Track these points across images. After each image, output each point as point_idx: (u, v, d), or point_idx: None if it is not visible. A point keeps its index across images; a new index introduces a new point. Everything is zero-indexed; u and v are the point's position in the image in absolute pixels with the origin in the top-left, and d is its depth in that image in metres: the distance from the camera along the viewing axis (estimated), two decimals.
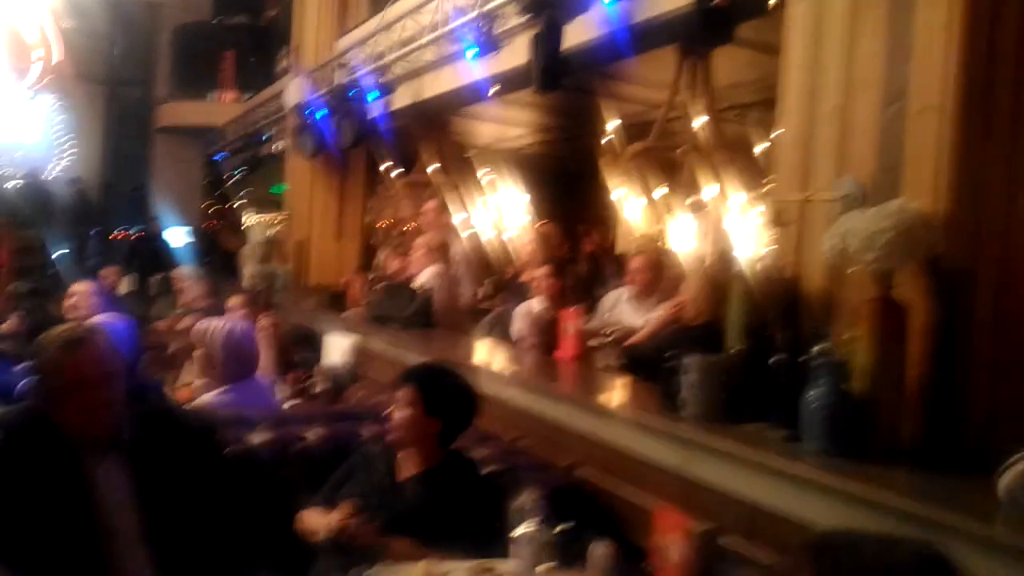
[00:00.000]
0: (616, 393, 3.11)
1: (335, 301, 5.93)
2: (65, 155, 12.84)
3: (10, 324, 4.08)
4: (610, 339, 3.61)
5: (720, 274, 2.92)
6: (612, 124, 5.59)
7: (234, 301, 4.56)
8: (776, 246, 2.64)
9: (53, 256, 11.20)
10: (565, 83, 4.26)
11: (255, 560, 2.14)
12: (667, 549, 1.96)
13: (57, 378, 1.92)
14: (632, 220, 5.79)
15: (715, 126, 4.61)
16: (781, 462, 2.08)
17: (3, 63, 6.39)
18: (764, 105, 4.83)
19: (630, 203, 5.65)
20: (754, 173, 4.68)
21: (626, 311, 3.98)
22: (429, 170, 7.27)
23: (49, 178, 12.20)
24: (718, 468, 2.23)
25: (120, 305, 4.74)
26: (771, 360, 2.33)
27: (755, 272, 2.71)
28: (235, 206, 12.42)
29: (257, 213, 11.48)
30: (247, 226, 11.09)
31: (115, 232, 12.40)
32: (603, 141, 5.67)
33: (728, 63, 4.41)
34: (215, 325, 3.08)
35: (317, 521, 2.22)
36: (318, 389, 4.33)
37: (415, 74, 5.83)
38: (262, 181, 11.09)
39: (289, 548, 2.23)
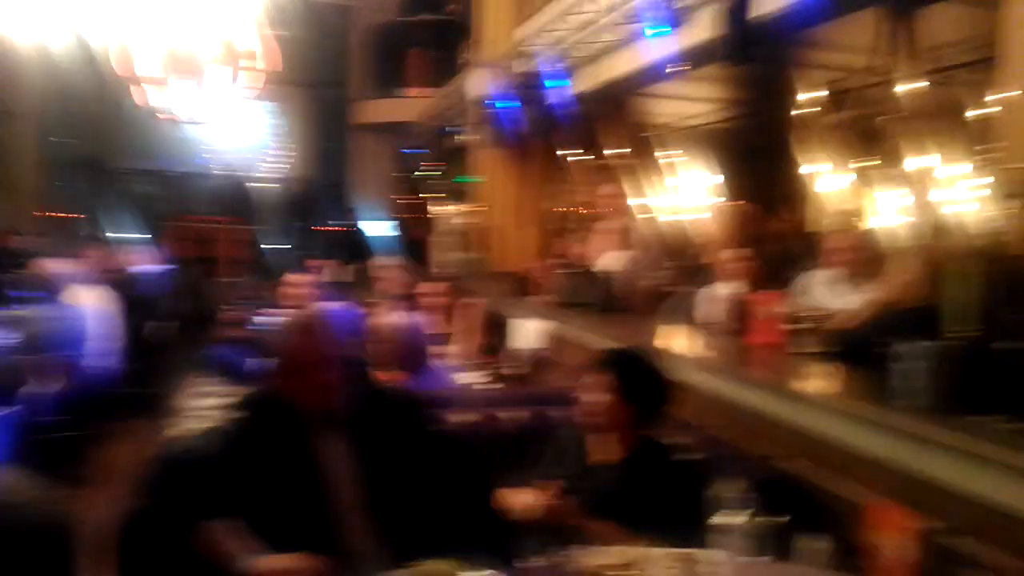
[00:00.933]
0: (821, 381, 2.95)
1: (522, 286, 6.07)
2: (276, 155, 14.08)
3: (234, 313, 4.52)
4: (810, 323, 3.43)
5: (937, 252, 2.69)
6: (806, 94, 5.29)
7: (427, 288, 4.78)
8: (1002, 220, 2.39)
9: (265, 249, 12.36)
10: (756, 54, 4.09)
11: (460, 534, 2.25)
12: (884, 547, 1.84)
13: (288, 360, 2.12)
14: (826, 196, 5.45)
15: (922, 90, 4.24)
16: (1018, 458, 1.89)
17: (219, 72, 7.07)
18: (978, 66, 4.38)
19: (823, 178, 5.32)
20: (967, 140, 4.26)
21: (824, 293, 3.76)
22: (609, 153, 7.24)
23: (261, 177, 13.46)
24: (942, 462, 2.06)
25: (328, 294, 5.11)
26: (997, 346, 2.12)
27: (977, 250, 2.47)
28: (425, 197, 13.03)
29: (446, 203, 11.98)
30: (436, 216, 11.60)
31: (319, 225, 13.46)
32: (794, 113, 5.38)
33: (935, 21, 4.04)
34: (387, 320, 3.26)
35: (517, 500, 2.29)
36: (508, 372, 4.46)
37: (596, 57, 5.82)
38: (450, 172, 11.57)
39: (490, 525, 2.32)
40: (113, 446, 5.15)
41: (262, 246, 12.09)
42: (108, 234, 10.62)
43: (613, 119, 7.30)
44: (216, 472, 1.98)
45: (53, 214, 11.98)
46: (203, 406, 2.82)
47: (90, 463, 4.68)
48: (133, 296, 6.12)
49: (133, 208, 12.77)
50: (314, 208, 13.31)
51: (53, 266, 4.89)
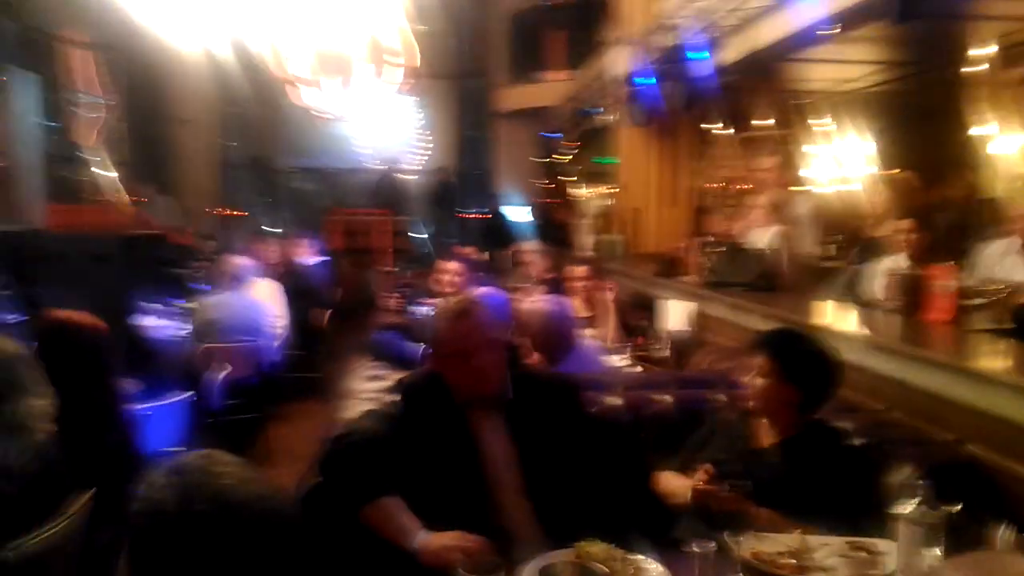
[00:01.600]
0: (1003, 359, 2.71)
1: (669, 267, 5.96)
2: (421, 147, 14.56)
3: (395, 301, 4.72)
4: (988, 298, 3.16)
5: None
6: (975, 50, 4.84)
7: (574, 271, 4.78)
8: None
9: (419, 238, 12.82)
10: (918, 9, 3.77)
11: (617, 518, 2.24)
12: None
13: (448, 345, 2.19)
14: (1000, 160, 4.97)
15: None
16: None
17: (366, 70, 7.36)
18: None
19: (996, 141, 4.85)
20: None
21: (1012, 266, 3.45)
22: (759, 124, 6.95)
23: (408, 169, 13.96)
24: None
25: (480, 280, 5.24)
26: None
27: None
28: (569, 180, 13.03)
29: (589, 186, 11.94)
30: (577, 199, 11.58)
31: (464, 212, 13.79)
32: (963, 71, 4.93)
33: None
34: (533, 304, 3.27)
35: (676, 484, 2.26)
36: (659, 355, 4.40)
37: (742, 25, 5.58)
38: (593, 154, 11.51)
39: (648, 509, 2.30)
40: (284, 427, 5.55)
41: (412, 235, 12.56)
42: (274, 229, 11.37)
43: (762, 89, 6.99)
44: (382, 452, 2.07)
45: (226, 212, 12.98)
46: (369, 389, 2.96)
47: (262, 444, 5.07)
48: (298, 286, 6.53)
49: (295, 204, 13.63)
50: (458, 196, 13.65)
51: (228, 260, 5.28)
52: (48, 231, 7.74)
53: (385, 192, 12.83)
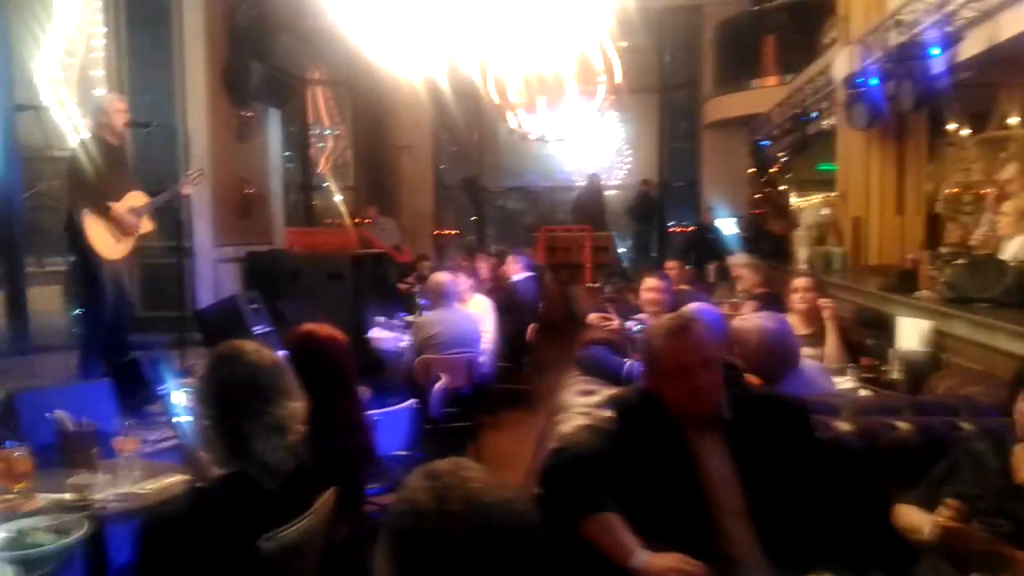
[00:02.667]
0: None
1: (901, 280, 5.49)
2: (625, 161, 14.57)
3: (601, 316, 4.72)
4: None
5: None
6: None
7: (796, 283, 4.53)
8: None
9: (622, 252, 12.83)
10: None
11: (849, 549, 2.09)
12: None
13: (664, 362, 2.16)
14: None
15: None
16: None
17: (577, 91, 7.49)
18: None
19: None
20: None
21: None
22: (1005, 124, 6.24)
23: (613, 184, 14.02)
24: None
25: (687, 295, 5.13)
26: None
27: None
28: (782, 190, 12.45)
29: (805, 194, 11.33)
30: (795, 209, 11.01)
31: (671, 226, 13.60)
32: None
33: None
34: (751, 321, 3.09)
35: (918, 519, 2.07)
36: (889, 377, 4.06)
37: (988, 14, 5.05)
38: (809, 161, 10.91)
39: (887, 544, 2.13)
40: (495, 436, 5.74)
41: (619, 250, 12.59)
42: (487, 247, 11.87)
43: (1005, 85, 6.28)
44: (601, 467, 2.08)
45: (441, 231, 13.76)
46: (581, 403, 2.99)
47: (476, 450, 5.27)
48: (507, 301, 6.76)
49: (503, 222, 14.17)
50: (661, 209, 13.49)
51: (444, 277, 5.57)
52: (288, 251, 8.61)
53: (585, 207, 12.97)
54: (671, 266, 7.16)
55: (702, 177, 13.27)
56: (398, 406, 3.66)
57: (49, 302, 7.07)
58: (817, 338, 4.11)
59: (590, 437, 2.19)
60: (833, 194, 8.42)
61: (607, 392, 2.79)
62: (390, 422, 3.53)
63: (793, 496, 2.04)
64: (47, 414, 2.88)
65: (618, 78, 7.25)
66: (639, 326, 4.00)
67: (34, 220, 6.80)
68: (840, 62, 7.29)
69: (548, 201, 15.02)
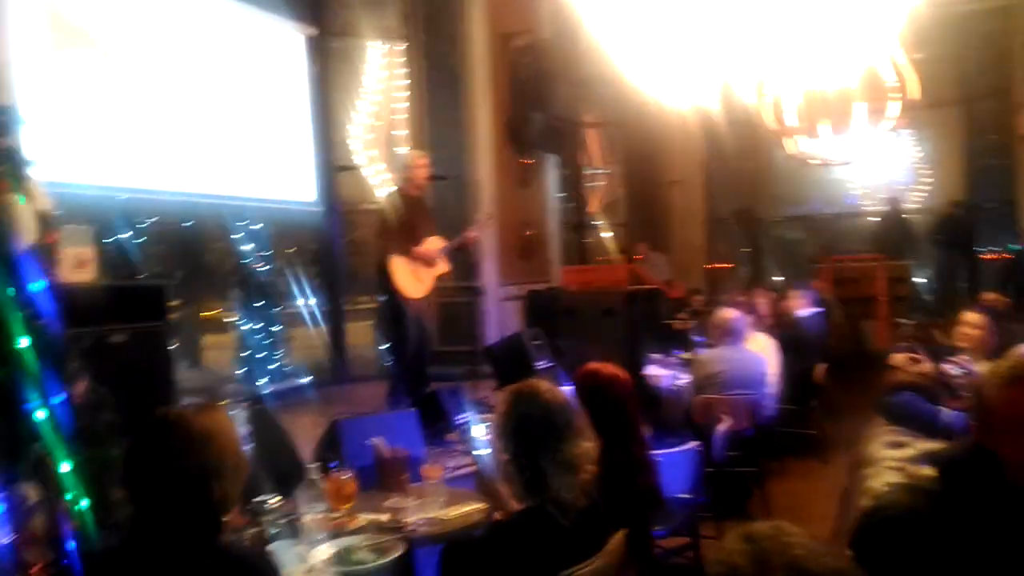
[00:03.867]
0: None
1: None
2: (920, 182, 13.20)
3: (907, 356, 4.26)
4: None
5: None
6: None
7: None
8: None
9: (922, 283, 11.56)
10: None
11: None
12: None
13: (1003, 416, 1.87)
14: None
15: None
16: None
17: (865, 109, 6.92)
18: None
19: None
20: None
21: None
22: None
23: (908, 208, 12.73)
24: None
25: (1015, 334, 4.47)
26: None
27: None
28: None
29: None
30: None
31: (980, 253, 12.02)
32: None
33: None
34: None
35: None
36: None
37: None
38: None
39: None
40: (780, 483, 5.39)
41: (917, 281, 11.36)
42: (765, 280, 11.36)
43: None
44: (924, 535, 1.85)
45: (713, 265, 13.40)
46: (891, 457, 2.71)
47: (761, 498, 4.98)
48: (790, 338, 6.36)
49: (782, 253, 13.47)
50: (972, 235, 11.95)
51: (722, 314, 5.39)
52: (564, 289, 8.90)
53: (886, 235, 11.85)
54: (990, 299, 6.30)
55: (1019, 196, 11.61)
56: (681, 447, 3.59)
57: (361, 336, 7.98)
58: None
59: (910, 498, 1.96)
60: None
61: (922, 445, 2.50)
62: (672, 463, 3.46)
63: None
64: (366, 441, 3.21)
65: (913, 92, 6.61)
66: (961, 370, 3.53)
67: (350, 264, 7.74)
68: None
69: (831, 229, 14.02)
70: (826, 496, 4.95)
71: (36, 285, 2.04)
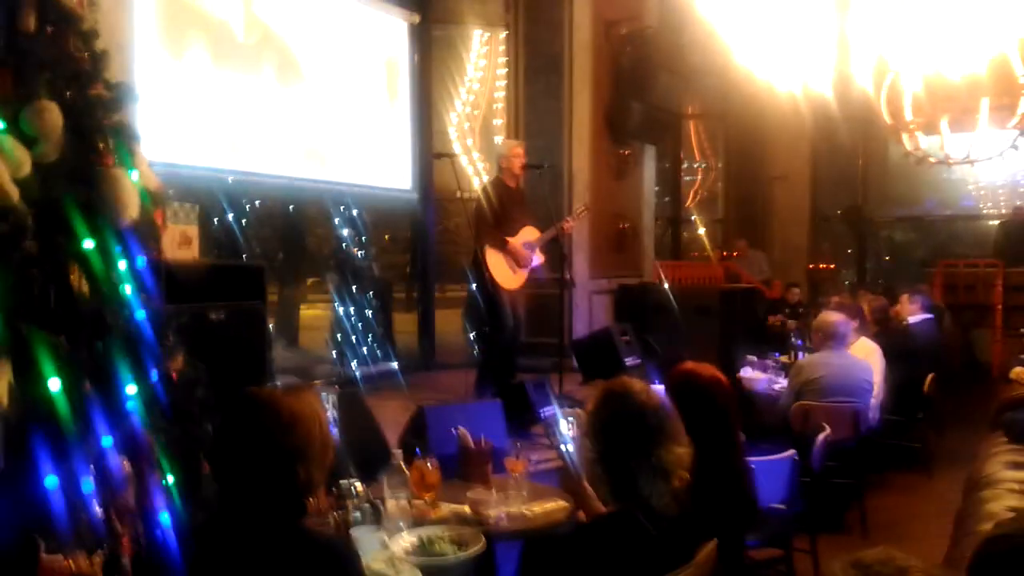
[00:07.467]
0: None
1: None
2: None
3: None
4: None
5: None
6: None
7: None
8: None
9: None
10: None
11: None
12: None
13: None
14: None
15: None
16: None
17: (988, 102, 6.44)
18: None
19: None
20: None
21: None
22: None
23: None
24: None
25: None
26: None
27: None
28: None
29: None
30: None
31: None
32: None
33: None
34: None
35: None
36: None
37: None
38: None
39: None
40: (880, 498, 5.11)
41: None
42: (868, 283, 10.82)
43: None
44: None
45: (816, 266, 12.85)
46: (1012, 479, 2.49)
47: (859, 512, 4.73)
48: (896, 346, 6.02)
49: (891, 255, 12.79)
50: None
51: (825, 317, 5.14)
52: (657, 285, 8.70)
53: (1009, 240, 11.06)
54: None
55: None
56: (778, 455, 3.42)
57: (450, 324, 8.02)
58: None
59: None
60: None
61: None
62: (767, 471, 3.30)
63: None
64: (451, 429, 3.19)
65: None
66: None
67: (441, 252, 7.78)
68: None
69: (945, 232, 13.25)
70: (929, 514, 4.67)
71: (139, 260, 2.08)
